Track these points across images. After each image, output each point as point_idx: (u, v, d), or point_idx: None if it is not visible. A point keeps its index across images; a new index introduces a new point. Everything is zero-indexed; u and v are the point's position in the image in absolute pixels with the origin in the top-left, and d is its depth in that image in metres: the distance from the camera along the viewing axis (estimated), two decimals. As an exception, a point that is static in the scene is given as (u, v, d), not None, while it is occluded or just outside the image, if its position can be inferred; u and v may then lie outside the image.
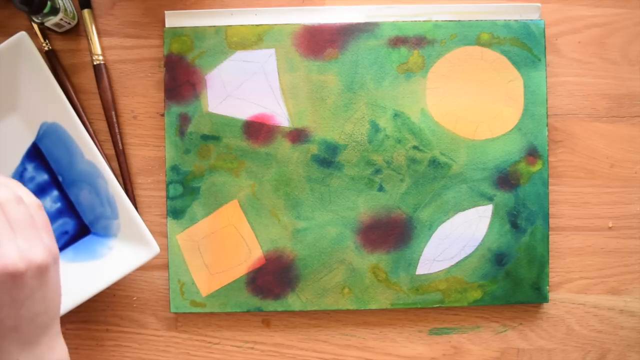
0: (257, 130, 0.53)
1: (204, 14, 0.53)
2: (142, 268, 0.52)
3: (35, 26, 0.53)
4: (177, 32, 0.53)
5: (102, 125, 0.54)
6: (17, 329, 0.34)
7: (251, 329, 0.54)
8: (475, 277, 0.53)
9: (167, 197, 0.53)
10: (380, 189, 0.53)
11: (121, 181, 0.54)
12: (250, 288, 0.53)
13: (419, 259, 0.53)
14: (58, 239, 0.52)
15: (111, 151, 0.54)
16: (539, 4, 0.54)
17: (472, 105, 0.53)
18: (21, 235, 0.34)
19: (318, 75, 0.53)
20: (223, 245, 0.53)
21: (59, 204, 0.52)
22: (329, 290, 0.53)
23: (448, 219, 0.53)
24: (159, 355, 0.54)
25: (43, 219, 0.36)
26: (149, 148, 0.54)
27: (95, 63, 0.53)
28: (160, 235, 0.54)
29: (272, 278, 0.53)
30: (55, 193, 0.52)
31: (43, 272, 0.34)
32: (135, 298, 0.54)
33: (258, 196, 0.53)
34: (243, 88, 0.53)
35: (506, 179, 0.53)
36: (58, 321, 0.37)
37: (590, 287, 0.55)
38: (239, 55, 0.53)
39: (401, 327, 0.55)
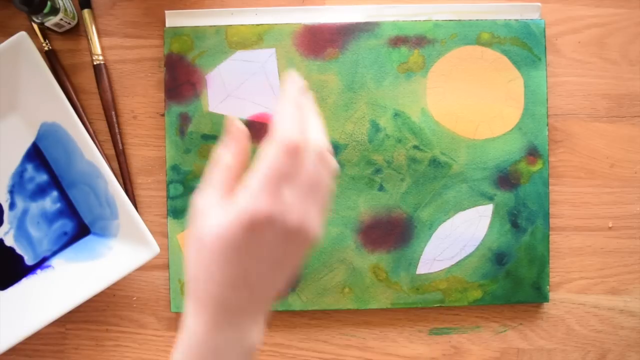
0: (257, 129, 0.53)
1: (204, 14, 0.53)
2: (142, 268, 0.52)
3: (35, 26, 0.53)
4: (178, 32, 0.53)
5: (102, 125, 0.54)
6: (265, 290, 0.32)
7: (251, 329, 0.54)
8: (475, 276, 0.53)
9: (168, 197, 0.53)
10: (381, 188, 0.53)
11: (121, 181, 0.54)
12: (250, 288, 0.53)
13: (419, 259, 0.53)
14: (58, 239, 0.52)
15: (111, 151, 0.54)
16: (539, 4, 0.54)
17: (472, 105, 0.53)
18: (319, 203, 0.32)
19: (318, 74, 0.53)
20: (223, 245, 0.53)
21: (58, 204, 0.52)
22: (330, 289, 0.53)
23: (448, 218, 0.53)
24: (159, 355, 0.54)
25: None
26: (149, 148, 0.54)
27: (95, 63, 0.53)
28: (161, 235, 0.54)
29: (273, 278, 0.53)
30: (55, 193, 0.52)
31: (322, 158, 0.32)
32: (135, 298, 0.54)
33: (258, 196, 0.53)
34: (243, 88, 0.53)
35: (506, 179, 0.53)
36: (270, 307, 0.35)
37: (590, 287, 0.55)
38: (239, 54, 0.53)
39: (401, 327, 0.55)
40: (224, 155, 0.34)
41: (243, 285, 0.31)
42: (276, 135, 0.30)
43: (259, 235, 0.30)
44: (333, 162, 0.33)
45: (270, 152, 0.30)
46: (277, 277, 0.32)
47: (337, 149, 0.53)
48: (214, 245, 0.30)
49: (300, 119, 0.32)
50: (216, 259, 0.30)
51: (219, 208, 0.31)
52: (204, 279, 0.31)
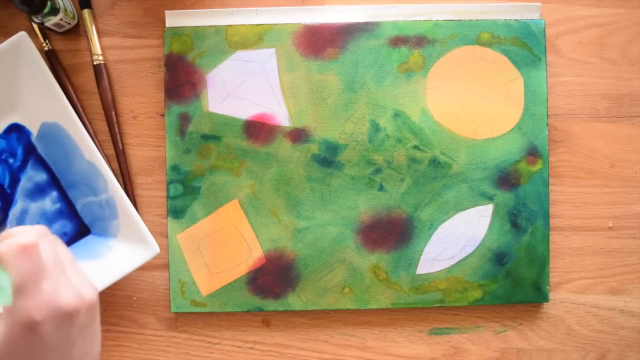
0: (257, 129, 0.53)
1: (204, 14, 0.53)
2: (142, 268, 0.52)
3: (35, 26, 0.53)
4: (178, 32, 0.53)
5: (102, 125, 0.54)
6: None
7: (251, 329, 0.54)
8: (475, 276, 0.53)
9: (168, 197, 0.53)
10: (381, 188, 0.53)
11: (121, 181, 0.54)
12: (250, 288, 0.53)
13: (419, 259, 0.53)
14: (58, 239, 0.52)
15: (111, 151, 0.54)
16: (539, 4, 0.54)
17: (472, 105, 0.53)
18: (71, 273, 0.34)
19: (318, 74, 0.53)
20: (223, 245, 0.53)
21: (58, 205, 0.52)
22: (330, 289, 0.53)
23: (448, 218, 0.53)
24: (159, 355, 0.54)
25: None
26: (149, 148, 0.54)
27: (95, 63, 0.53)
28: (161, 235, 0.54)
29: (273, 278, 0.53)
30: (54, 193, 0.52)
31: (93, 309, 0.34)
32: (135, 298, 0.54)
33: (258, 196, 0.53)
34: (243, 88, 0.53)
35: (506, 179, 0.53)
36: None
37: (590, 287, 0.55)
38: (240, 54, 0.53)
39: (401, 327, 0.55)
40: None
41: None
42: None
43: (39, 332, 0.31)
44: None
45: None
46: (83, 350, 0.34)
47: (337, 149, 0.53)
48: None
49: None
50: None
51: None
52: None
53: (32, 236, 0.32)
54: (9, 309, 0.31)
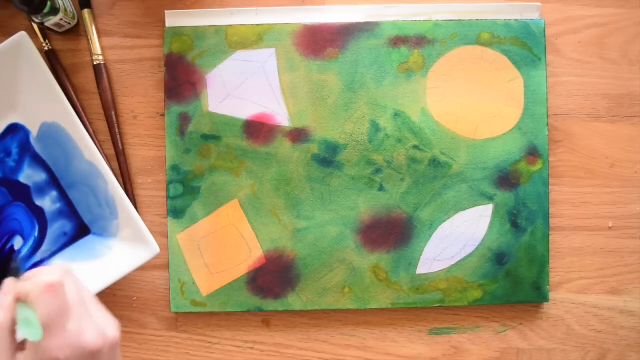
0: (257, 129, 0.53)
1: (204, 14, 0.53)
2: (142, 268, 0.52)
3: (35, 26, 0.53)
4: (178, 32, 0.53)
5: (102, 125, 0.54)
6: None
7: (251, 329, 0.54)
8: (475, 276, 0.53)
9: (168, 197, 0.53)
10: (381, 188, 0.53)
11: (121, 181, 0.54)
12: (250, 288, 0.53)
13: (419, 259, 0.53)
14: (57, 239, 0.52)
15: (111, 151, 0.54)
16: (539, 4, 0.54)
17: (472, 105, 0.53)
18: (94, 311, 0.35)
19: (318, 74, 0.53)
20: (223, 245, 0.53)
21: (58, 204, 0.52)
22: (330, 289, 0.53)
23: (448, 218, 0.53)
24: (159, 355, 0.54)
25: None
26: (149, 148, 0.54)
27: (95, 63, 0.53)
28: (161, 235, 0.54)
29: (273, 278, 0.53)
30: (54, 193, 0.52)
31: (115, 348, 0.35)
32: (135, 298, 0.54)
33: (258, 196, 0.53)
34: (243, 88, 0.53)
35: (506, 179, 0.53)
36: None
37: (590, 287, 0.55)
38: (240, 54, 0.53)
39: (401, 327, 0.55)
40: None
41: None
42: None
43: None
44: None
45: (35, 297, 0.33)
46: None
47: (337, 149, 0.53)
48: None
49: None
50: None
51: None
52: None
53: (57, 275, 0.33)
54: (35, 348, 0.32)
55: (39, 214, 0.51)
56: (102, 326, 0.34)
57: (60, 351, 0.32)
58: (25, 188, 0.52)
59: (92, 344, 0.33)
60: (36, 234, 0.51)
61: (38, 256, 0.51)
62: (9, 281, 0.34)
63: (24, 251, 0.51)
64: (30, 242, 0.51)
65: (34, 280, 0.33)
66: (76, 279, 0.35)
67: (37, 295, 0.32)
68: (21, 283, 0.34)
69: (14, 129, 0.52)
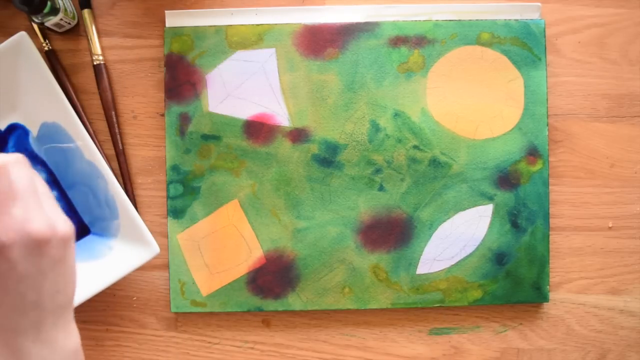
0: (257, 129, 0.53)
1: (204, 14, 0.53)
2: (142, 268, 0.52)
3: (35, 26, 0.53)
4: (178, 32, 0.53)
5: (102, 125, 0.54)
6: (38, 305, 0.32)
7: (251, 329, 0.54)
8: (475, 276, 0.53)
9: (168, 197, 0.53)
10: (381, 188, 0.53)
11: (121, 181, 0.54)
12: (250, 288, 0.53)
13: (419, 259, 0.53)
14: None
15: (111, 151, 0.54)
16: (539, 4, 0.54)
17: (472, 105, 0.53)
18: (46, 205, 0.33)
19: (318, 74, 0.53)
20: (223, 245, 0.53)
21: (58, 204, 0.52)
22: (330, 289, 0.53)
23: (448, 218, 0.53)
24: (159, 355, 0.54)
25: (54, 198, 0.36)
26: (149, 148, 0.54)
27: (95, 63, 0.53)
28: (161, 235, 0.54)
29: (273, 278, 0.53)
30: (54, 193, 0.52)
31: (66, 244, 0.33)
32: (135, 298, 0.54)
33: (258, 196, 0.53)
34: (243, 88, 0.53)
35: (506, 179, 0.53)
36: (73, 305, 0.36)
37: (590, 287, 0.55)
38: (240, 54, 0.53)
39: (401, 327, 0.55)
40: None
41: (22, 308, 0.32)
42: None
43: (6, 256, 0.30)
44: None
45: None
46: (55, 286, 0.33)
47: (337, 149, 0.53)
48: None
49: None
50: None
51: None
52: None
53: (2, 159, 0.32)
54: None
55: None
56: (53, 219, 0.32)
57: (4, 234, 0.30)
58: (25, 188, 0.51)
59: (38, 231, 0.31)
60: None
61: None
62: None
63: None
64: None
65: None
66: (32, 170, 0.33)
67: None
68: None
69: (14, 129, 0.52)
